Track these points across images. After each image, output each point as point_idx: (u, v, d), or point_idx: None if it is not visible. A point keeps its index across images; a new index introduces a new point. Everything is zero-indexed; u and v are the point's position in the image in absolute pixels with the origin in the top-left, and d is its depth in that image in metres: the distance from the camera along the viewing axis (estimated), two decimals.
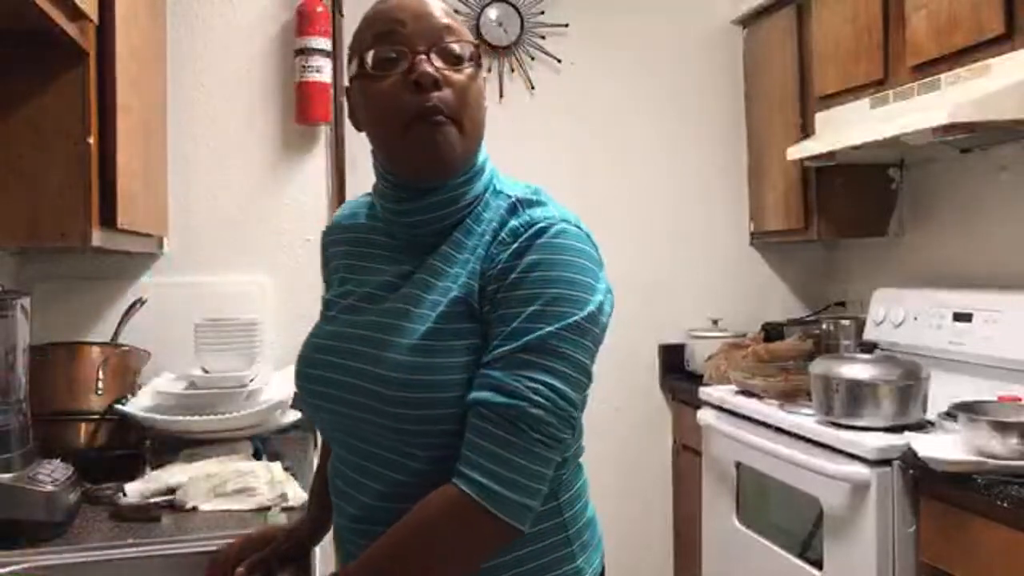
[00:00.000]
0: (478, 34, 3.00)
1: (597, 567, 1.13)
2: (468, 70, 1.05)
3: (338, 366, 1.05)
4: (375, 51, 1.02)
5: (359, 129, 1.10)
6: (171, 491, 1.67)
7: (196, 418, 1.91)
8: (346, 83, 1.11)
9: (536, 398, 0.94)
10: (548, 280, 0.96)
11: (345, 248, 1.16)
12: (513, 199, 1.07)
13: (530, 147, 3.04)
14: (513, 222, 1.02)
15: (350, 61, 1.07)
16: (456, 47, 1.04)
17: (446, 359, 0.98)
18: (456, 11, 2.94)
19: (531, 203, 1.05)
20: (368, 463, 1.04)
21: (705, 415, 2.66)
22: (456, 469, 0.94)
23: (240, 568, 1.19)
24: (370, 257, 1.12)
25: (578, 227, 1.05)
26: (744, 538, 2.46)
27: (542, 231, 1.00)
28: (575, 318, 0.96)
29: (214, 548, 1.39)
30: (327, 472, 1.17)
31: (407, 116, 1.00)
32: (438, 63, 1.02)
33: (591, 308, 0.97)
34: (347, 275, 1.13)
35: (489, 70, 3.03)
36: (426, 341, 0.99)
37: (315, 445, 2.33)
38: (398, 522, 0.95)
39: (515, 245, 0.99)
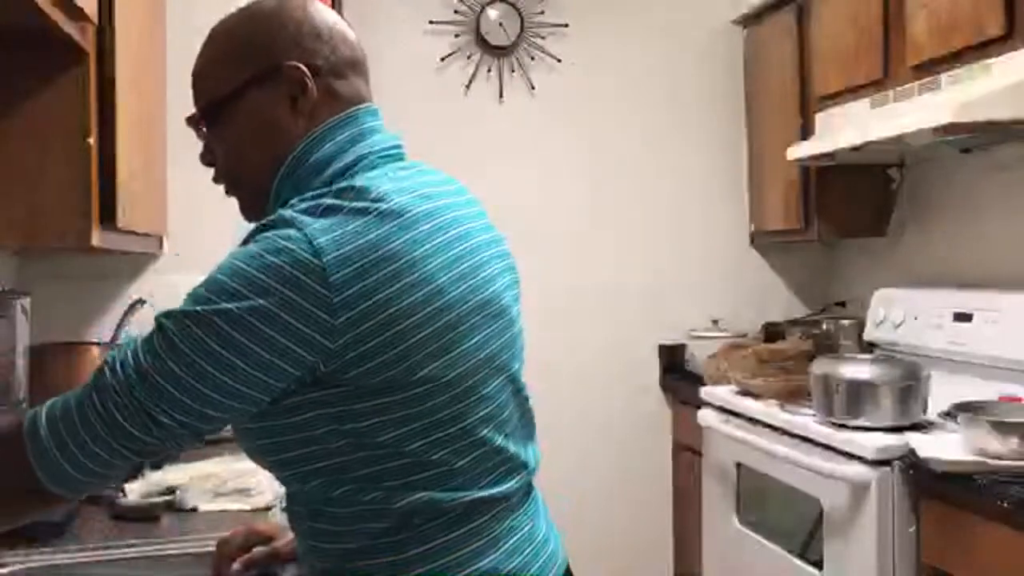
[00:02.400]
0: (478, 34, 3.00)
1: None
2: (215, 132, 1.08)
3: None
4: None
5: None
6: (171, 491, 1.67)
7: None
8: None
9: (113, 363, 0.89)
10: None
11: None
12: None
13: (530, 147, 3.05)
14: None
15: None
16: (199, 112, 1.08)
17: None
18: (456, 11, 2.97)
19: None
20: None
21: (705, 415, 2.66)
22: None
23: (245, 556, 1.19)
24: None
25: None
26: (744, 538, 2.46)
27: None
28: (199, 306, 0.90)
29: (214, 548, 1.39)
30: None
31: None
32: (202, 140, 1.13)
33: (227, 306, 0.88)
34: None
35: (489, 70, 3.03)
36: None
37: None
38: None
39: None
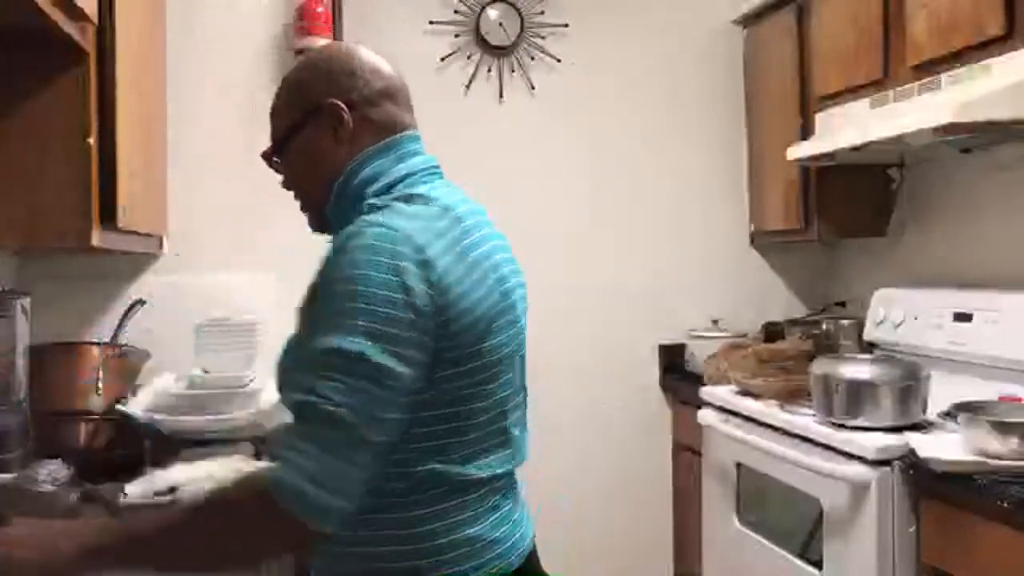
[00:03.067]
0: (477, 34, 3.00)
1: None
2: (285, 161, 1.26)
3: None
4: None
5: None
6: (171, 491, 1.67)
7: (196, 418, 1.91)
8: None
9: (324, 415, 1.01)
10: None
11: None
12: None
13: (530, 147, 3.04)
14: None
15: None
16: (272, 144, 1.26)
17: None
18: (456, 11, 2.97)
19: None
20: None
21: (705, 415, 2.66)
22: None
23: None
24: None
25: None
26: (744, 538, 2.46)
27: None
28: (351, 337, 1.04)
29: None
30: None
31: None
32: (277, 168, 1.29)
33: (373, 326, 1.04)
34: None
35: (489, 70, 3.03)
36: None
37: None
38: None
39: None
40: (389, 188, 1.16)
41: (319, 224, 1.25)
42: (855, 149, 2.38)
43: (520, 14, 3.02)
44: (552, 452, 2.97)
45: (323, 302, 1.05)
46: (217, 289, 2.44)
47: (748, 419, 2.42)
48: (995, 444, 1.70)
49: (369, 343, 1.00)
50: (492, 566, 1.13)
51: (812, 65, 2.79)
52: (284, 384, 1.12)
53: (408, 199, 1.13)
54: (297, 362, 1.07)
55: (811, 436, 2.10)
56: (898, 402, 2.00)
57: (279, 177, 1.26)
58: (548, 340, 3.01)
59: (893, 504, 1.87)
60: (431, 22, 2.96)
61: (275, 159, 1.25)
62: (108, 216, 1.76)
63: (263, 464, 1.83)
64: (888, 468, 1.88)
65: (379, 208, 1.12)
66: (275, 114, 1.26)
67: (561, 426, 2.99)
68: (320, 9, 2.58)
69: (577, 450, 3.06)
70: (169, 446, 1.90)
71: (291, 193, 1.26)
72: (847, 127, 2.48)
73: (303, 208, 1.26)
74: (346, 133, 1.18)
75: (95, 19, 1.68)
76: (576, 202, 3.13)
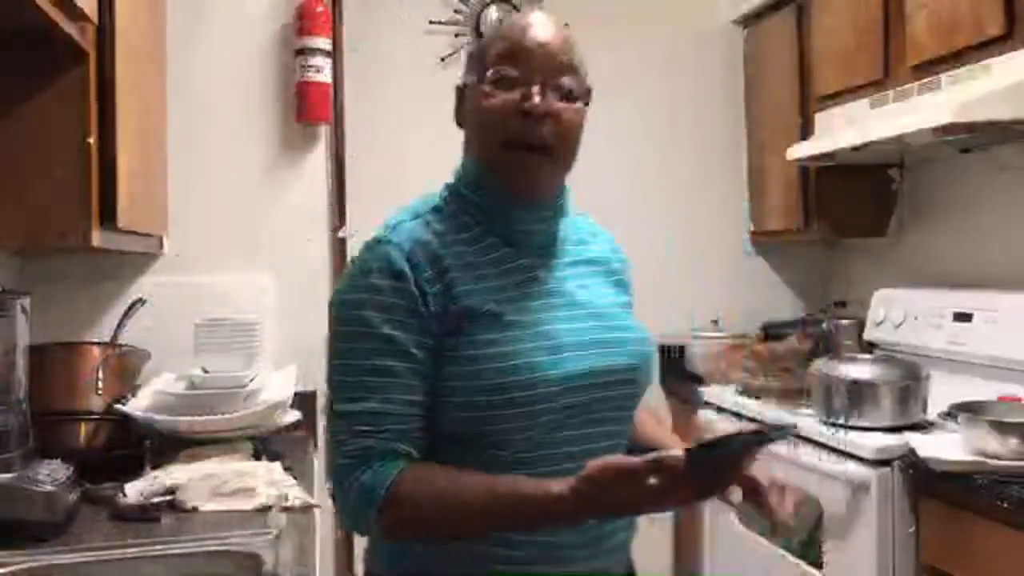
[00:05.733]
0: (477, 34, 3.00)
1: None
2: (576, 107, 1.18)
3: (590, 356, 1.11)
4: (495, 69, 1.13)
5: (460, 127, 1.21)
6: (171, 491, 1.67)
7: (196, 418, 1.91)
8: (459, 82, 1.22)
9: None
10: None
11: (452, 261, 1.12)
12: (580, 215, 1.37)
13: None
14: (606, 234, 1.41)
15: (468, 65, 1.19)
16: (572, 85, 1.16)
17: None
18: (456, 11, 2.97)
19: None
20: (598, 444, 1.10)
21: (705, 416, 2.66)
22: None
23: None
24: (491, 262, 1.14)
25: None
26: (744, 538, 2.46)
27: None
28: None
29: (214, 548, 1.39)
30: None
31: (509, 137, 1.12)
32: (551, 97, 1.13)
33: None
34: (476, 284, 1.11)
35: None
36: (634, 321, 1.26)
37: (315, 445, 2.33)
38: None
39: (619, 253, 1.41)
40: None
41: (547, 189, 1.20)
42: (855, 149, 2.38)
43: None
44: None
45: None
46: (217, 289, 2.44)
47: (748, 419, 2.42)
48: (995, 444, 1.70)
49: None
50: None
51: (812, 65, 2.79)
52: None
53: None
54: None
55: (811, 436, 2.10)
56: (898, 402, 2.00)
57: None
58: None
59: (893, 504, 1.87)
60: (431, 22, 2.96)
61: (577, 100, 1.19)
62: (108, 216, 1.75)
63: (263, 464, 1.83)
64: (888, 468, 1.88)
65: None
66: (579, 67, 1.20)
67: None
68: (320, 9, 2.58)
69: None
70: (169, 446, 1.90)
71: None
72: (847, 127, 2.48)
73: (557, 159, 1.18)
74: None
75: (95, 19, 1.68)
76: (575, 202, 3.13)
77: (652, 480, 0.92)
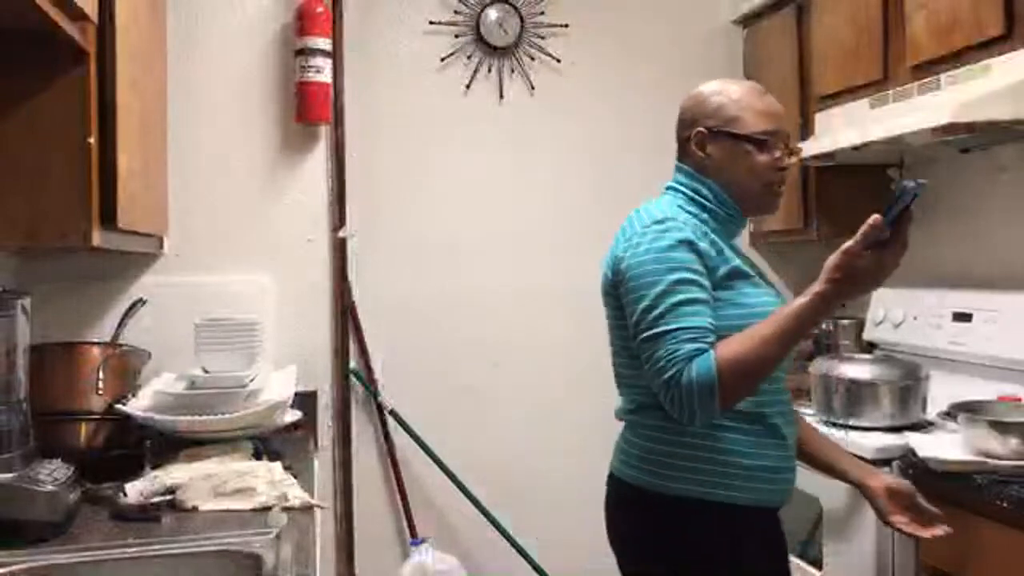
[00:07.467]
0: (477, 34, 3.00)
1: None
2: None
3: (773, 301, 1.62)
4: (765, 129, 1.60)
5: (703, 170, 1.65)
6: (171, 491, 1.67)
7: (196, 418, 1.91)
8: (702, 128, 1.65)
9: None
10: None
11: (712, 248, 1.57)
12: None
13: (530, 148, 3.04)
14: None
15: (723, 119, 1.63)
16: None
17: None
18: (456, 11, 2.97)
19: None
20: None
21: None
22: None
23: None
24: (724, 252, 1.60)
25: None
26: None
27: None
28: None
29: (214, 548, 1.39)
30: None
31: (770, 185, 1.64)
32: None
33: None
34: (728, 264, 1.57)
35: (489, 70, 3.03)
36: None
37: (315, 445, 2.33)
38: None
39: None
40: None
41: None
42: (855, 149, 2.38)
43: (520, 14, 3.02)
44: (553, 452, 2.97)
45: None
46: (217, 289, 2.44)
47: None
48: (994, 444, 1.70)
49: None
50: None
51: (812, 65, 2.79)
52: None
53: None
54: None
55: None
56: (898, 402, 2.00)
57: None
58: (548, 340, 3.01)
59: None
60: (431, 22, 2.96)
61: None
62: (108, 216, 1.75)
63: (263, 464, 1.83)
64: (888, 468, 1.88)
65: None
66: None
67: (563, 425, 2.99)
68: (320, 9, 2.58)
69: (578, 450, 3.06)
70: (169, 446, 1.91)
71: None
72: (847, 127, 2.48)
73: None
74: None
75: (95, 19, 1.68)
76: (576, 202, 3.13)
77: (867, 251, 1.43)
